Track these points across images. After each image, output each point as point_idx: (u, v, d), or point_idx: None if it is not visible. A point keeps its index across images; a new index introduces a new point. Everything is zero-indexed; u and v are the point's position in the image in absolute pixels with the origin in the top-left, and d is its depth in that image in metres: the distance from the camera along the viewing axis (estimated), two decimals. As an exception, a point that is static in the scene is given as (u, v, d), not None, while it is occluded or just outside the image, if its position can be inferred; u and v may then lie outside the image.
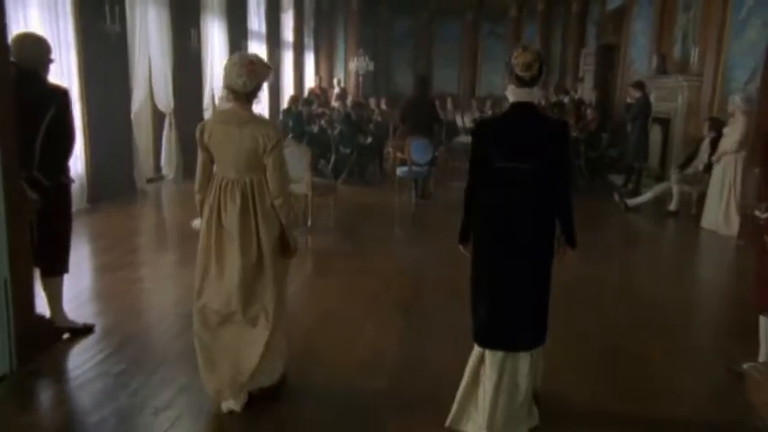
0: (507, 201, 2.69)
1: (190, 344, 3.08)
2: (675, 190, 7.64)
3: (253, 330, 2.91)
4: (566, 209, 2.76)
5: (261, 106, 3.06)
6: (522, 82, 2.64)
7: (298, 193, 6.70)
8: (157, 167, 9.26)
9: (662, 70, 10.00)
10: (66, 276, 3.76)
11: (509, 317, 2.71)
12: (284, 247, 2.92)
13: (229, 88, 2.77)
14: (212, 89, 10.41)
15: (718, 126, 7.30)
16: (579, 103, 12.75)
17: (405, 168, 8.21)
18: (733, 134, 6.69)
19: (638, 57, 12.09)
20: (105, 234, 6.18)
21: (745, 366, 3.12)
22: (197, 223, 6.94)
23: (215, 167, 2.92)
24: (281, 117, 11.22)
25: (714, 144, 7.32)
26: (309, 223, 6.66)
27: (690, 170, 7.71)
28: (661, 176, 9.73)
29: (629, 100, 9.24)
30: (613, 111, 12.44)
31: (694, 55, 8.97)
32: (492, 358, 2.72)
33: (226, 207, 2.83)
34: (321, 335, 3.91)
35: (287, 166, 2.90)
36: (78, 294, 4.38)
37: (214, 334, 2.94)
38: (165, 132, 9.19)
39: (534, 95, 2.71)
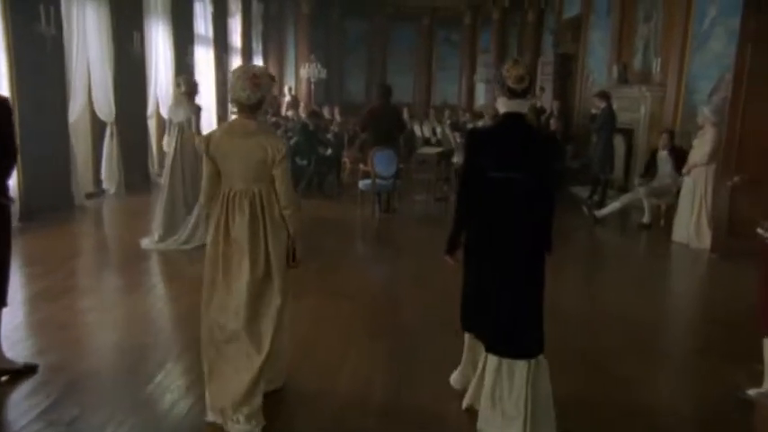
0: (501, 209, 2.86)
1: (146, 381, 2.98)
2: (646, 203, 7.74)
3: (253, 352, 2.95)
4: (550, 215, 2.95)
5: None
6: (514, 94, 2.83)
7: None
8: (97, 181, 8.76)
9: (623, 80, 10.20)
10: (3, 311, 3.39)
11: (505, 323, 2.84)
12: (292, 257, 3.06)
13: (235, 101, 2.91)
14: (157, 97, 9.99)
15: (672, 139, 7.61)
16: (540, 112, 12.90)
17: (368, 181, 8.03)
18: (703, 146, 6.81)
19: (597, 66, 12.32)
20: (41, 257, 5.73)
21: (752, 393, 3.06)
22: (146, 242, 6.57)
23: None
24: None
25: (676, 156, 7.48)
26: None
27: (655, 183, 7.83)
28: (625, 188, 9.90)
29: (593, 110, 9.36)
30: (572, 121, 12.65)
31: (656, 65, 9.17)
32: (489, 365, 2.87)
33: (234, 218, 2.92)
34: (301, 367, 3.65)
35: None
36: (15, 329, 3.98)
37: (220, 350, 2.99)
38: (106, 143, 8.72)
39: (524, 106, 2.92)
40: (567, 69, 14.07)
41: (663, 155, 7.71)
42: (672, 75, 8.80)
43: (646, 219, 7.82)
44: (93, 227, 7.53)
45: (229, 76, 3.07)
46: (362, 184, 8.16)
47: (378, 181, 7.88)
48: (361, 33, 19.10)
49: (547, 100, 13.84)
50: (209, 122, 12.50)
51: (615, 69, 10.65)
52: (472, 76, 18.21)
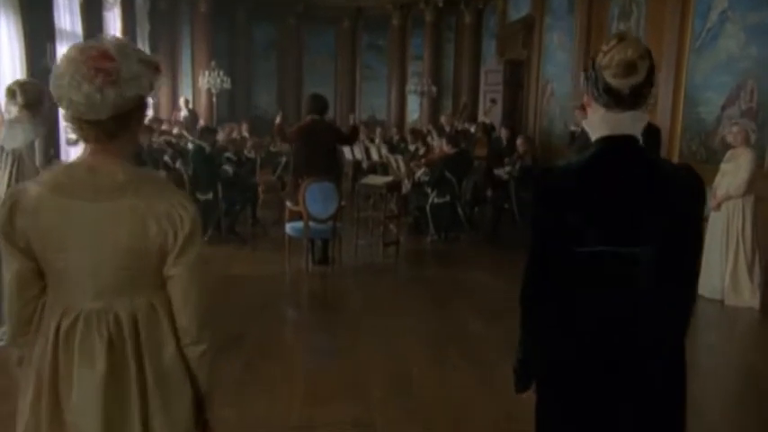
0: (610, 311, 1.78)
1: None
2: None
3: None
4: (687, 312, 1.86)
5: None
6: (618, 98, 1.74)
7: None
8: None
9: (599, 90, 9.16)
10: None
11: None
12: None
13: (71, 118, 1.57)
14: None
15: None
16: (490, 130, 11.77)
17: (298, 225, 6.42)
18: (737, 173, 5.70)
19: (558, 75, 11.35)
20: None
21: None
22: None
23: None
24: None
25: None
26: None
27: None
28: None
29: (572, 127, 8.23)
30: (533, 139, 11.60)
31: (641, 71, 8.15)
32: None
33: (71, 377, 1.61)
34: None
35: None
36: None
37: None
38: None
39: (640, 123, 1.78)
40: (516, 79, 13.08)
41: None
42: (665, 84, 7.80)
43: None
44: None
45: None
46: (290, 227, 6.53)
47: (312, 224, 6.29)
48: (271, 37, 17.48)
49: (497, 114, 12.77)
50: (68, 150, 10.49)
51: (584, 78, 9.62)
52: (403, 86, 17.01)
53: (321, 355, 4.50)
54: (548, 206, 1.81)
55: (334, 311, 5.46)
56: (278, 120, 7.11)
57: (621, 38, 1.75)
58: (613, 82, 1.72)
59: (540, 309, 1.85)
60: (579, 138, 7.99)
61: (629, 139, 1.77)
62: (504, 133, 10.46)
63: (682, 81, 7.61)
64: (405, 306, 5.54)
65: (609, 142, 1.78)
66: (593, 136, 1.82)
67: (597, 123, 1.81)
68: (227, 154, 8.77)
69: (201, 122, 13.60)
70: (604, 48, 1.75)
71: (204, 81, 15.15)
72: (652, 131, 11.69)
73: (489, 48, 15.43)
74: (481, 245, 8.15)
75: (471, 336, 4.89)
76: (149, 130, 8.44)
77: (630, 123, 1.76)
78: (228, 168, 8.29)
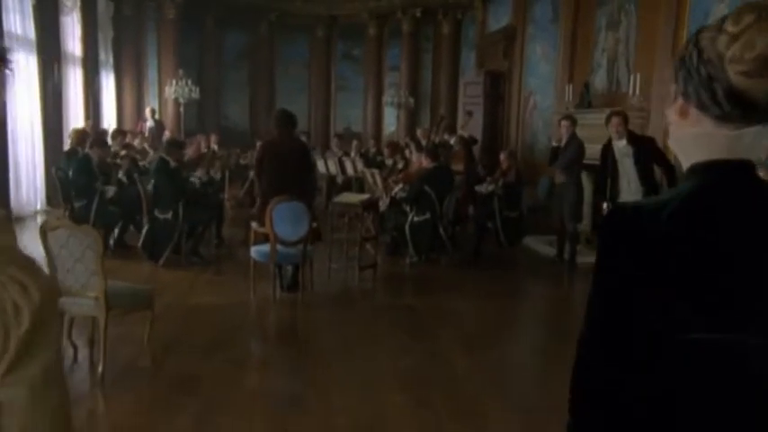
0: (722, 419, 1.13)
1: None
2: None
3: None
4: None
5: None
6: (747, 108, 1.06)
7: (80, 314, 4.14)
8: None
9: (585, 103, 8.77)
10: None
11: None
12: None
13: None
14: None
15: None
16: (470, 143, 11.31)
17: (264, 248, 5.85)
18: None
19: (541, 87, 10.97)
20: None
21: None
22: None
23: None
24: (59, 165, 8.37)
25: None
26: (101, 371, 4.02)
27: None
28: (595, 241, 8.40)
29: (555, 143, 7.77)
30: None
31: (633, 84, 7.77)
32: None
33: None
34: None
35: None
36: None
37: None
38: None
39: (766, 142, 1.12)
40: (496, 91, 12.68)
41: None
42: (660, 95, 7.40)
43: None
44: None
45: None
46: (256, 251, 5.95)
47: (280, 248, 5.72)
48: (242, 46, 16.90)
49: (476, 127, 12.32)
50: (28, 173, 9.86)
51: (569, 89, 9.25)
52: (379, 98, 16.54)
53: (287, 404, 3.92)
54: (627, 265, 1.16)
55: (302, 350, 4.88)
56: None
57: (762, 13, 1.03)
58: (745, 83, 1.06)
59: (612, 411, 1.18)
60: (565, 151, 7.56)
61: (746, 168, 1.14)
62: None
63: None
64: (382, 341, 5.00)
65: (719, 172, 1.14)
66: (689, 159, 1.17)
67: (699, 142, 1.16)
68: (197, 174, 8.18)
69: (167, 134, 12.96)
70: (730, 27, 1.06)
71: (171, 91, 14.55)
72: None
73: (468, 59, 15.06)
74: (463, 267, 7.64)
75: (456, 375, 4.37)
76: (102, 143, 7.81)
77: (752, 143, 1.12)
78: (195, 181, 7.70)
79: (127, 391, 4.03)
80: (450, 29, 15.73)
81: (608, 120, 6.12)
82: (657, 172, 6.22)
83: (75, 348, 4.41)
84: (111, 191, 7.55)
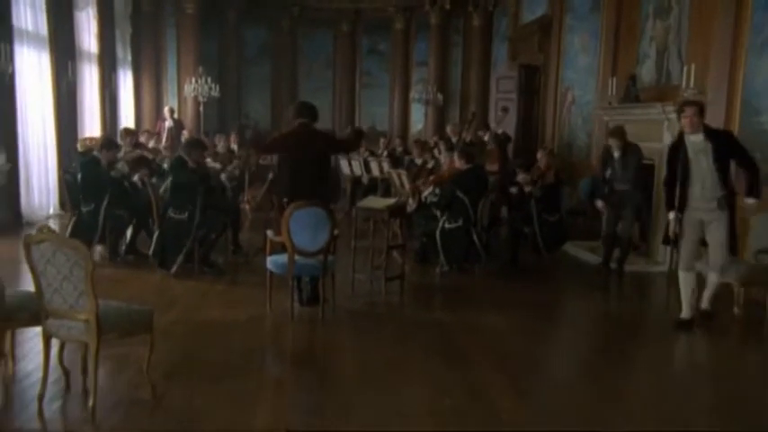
0: None
1: None
2: (713, 280, 5.45)
3: None
4: None
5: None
6: None
7: (68, 339, 3.68)
8: None
9: (632, 97, 8.12)
10: None
11: None
12: None
13: None
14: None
15: None
16: (504, 141, 10.72)
17: (281, 259, 5.35)
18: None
19: (580, 80, 10.33)
20: None
21: None
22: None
23: None
24: (69, 168, 8.00)
25: None
26: (92, 404, 3.54)
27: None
28: (646, 247, 7.79)
29: (616, 152, 7.08)
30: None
31: (688, 76, 7.09)
32: None
33: None
34: None
35: None
36: None
37: None
38: None
39: None
40: (531, 85, 12.05)
41: None
42: (717, 87, 6.76)
43: (706, 303, 5.53)
44: None
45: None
46: (272, 262, 5.45)
47: (298, 259, 5.21)
48: (264, 42, 16.47)
49: (509, 124, 11.71)
50: (40, 176, 9.53)
51: (613, 83, 8.59)
52: (406, 94, 15.99)
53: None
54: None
55: (321, 379, 4.32)
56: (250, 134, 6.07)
57: None
58: None
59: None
60: (626, 162, 6.98)
61: None
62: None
63: (737, 86, 6.58)
64: (411, 369, 4.44)
65: None
66: None
67: None
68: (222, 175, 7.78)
69: (185, 133, 12.59)
70: None
71: (191, 89, 14.17)
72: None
73: (500, 52, 14.44)
74: (499, 277, 7.07)
75: (497, 411, 3.80)
76: (110, 144, 7.38)
77: None
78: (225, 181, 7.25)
79: (121, 428, 3.55)
80: (480, 21, 15.11)
81: (680, 111, 5.11)
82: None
83: (68, 374, 3.95)
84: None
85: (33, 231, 3.54)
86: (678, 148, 5.12)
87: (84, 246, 3.52)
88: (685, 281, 5.26)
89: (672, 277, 5.51)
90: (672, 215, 5.18)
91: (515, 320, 5.55)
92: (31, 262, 3.55)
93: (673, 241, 5.22)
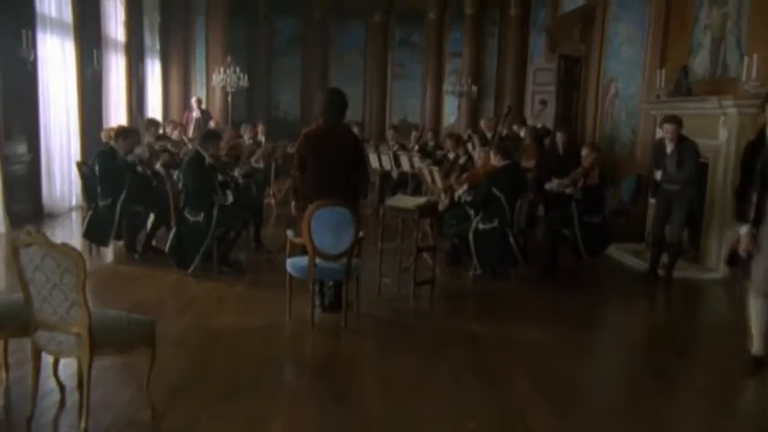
0: None
1: None
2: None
3: None
4: None
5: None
6: None
7: (59, 354, 3.31)
8: None
9: (684, 91, 7.51)
10: None
11: None
12: None
13: None
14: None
15: None
16: (542, 136, 10.16)
17: (301, 262, 4.94)
18: None
19: (624, 72, 9.71)
20: None
21: None
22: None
23: None
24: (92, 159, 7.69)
25: None
26: (84, 427, 3.16)
27: None
28: (695, 253, 7.21)
29: (669, 147, 6.48)
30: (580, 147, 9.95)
31: (749, 67, 6.49)
32: None
33: None
34: None
35: None
36: None
37: None
38: None
39: None
40: (570, 78, 11.44)
41: None
42: (781, 81, 6.15)
43: (757, 350, 4.39)
44: None
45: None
46: (292, 265, 5.04)
47: (319, 262, 4.79)
48: (294, 32, 16.12)
49: (548, 118, 11.15)
50: (63, 167, 9.26)
51: (661, 75, 7.99)
52: (439, 86, 15.47)
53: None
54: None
55: (341, 396, 3.91)
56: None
57: None
58: None
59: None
60: (684, 160, 6.35)
61: None
62: (560, 138, 8.80)
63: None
64: (439, 387, 3.99)
65: None
66: None
67: None
68: (236, 172, 7.38)
69: (212, 124, 12.30)
70: None
71: (219, 79, 13.85)
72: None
73: (538, 43, 13.83)
74: (536, 283, 6.56)
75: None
76: (126, 133, 7.03)
77: None
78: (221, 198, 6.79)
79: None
80: (518, 11, 14.50)
81: (765, 103, 4.32)
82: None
83: (63, 389, 3.61)
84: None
85: (32, 231, 3.17)
86: (757, 148, 4.33)
87: (77, 251, 3.13)
88: (759, 310, 4.32)
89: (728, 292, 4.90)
90: (744, 229, 4.29)
91: (553, 334, 5.05)
92: (20, 267, 3.18)
93: (744, 261, 4.51)
